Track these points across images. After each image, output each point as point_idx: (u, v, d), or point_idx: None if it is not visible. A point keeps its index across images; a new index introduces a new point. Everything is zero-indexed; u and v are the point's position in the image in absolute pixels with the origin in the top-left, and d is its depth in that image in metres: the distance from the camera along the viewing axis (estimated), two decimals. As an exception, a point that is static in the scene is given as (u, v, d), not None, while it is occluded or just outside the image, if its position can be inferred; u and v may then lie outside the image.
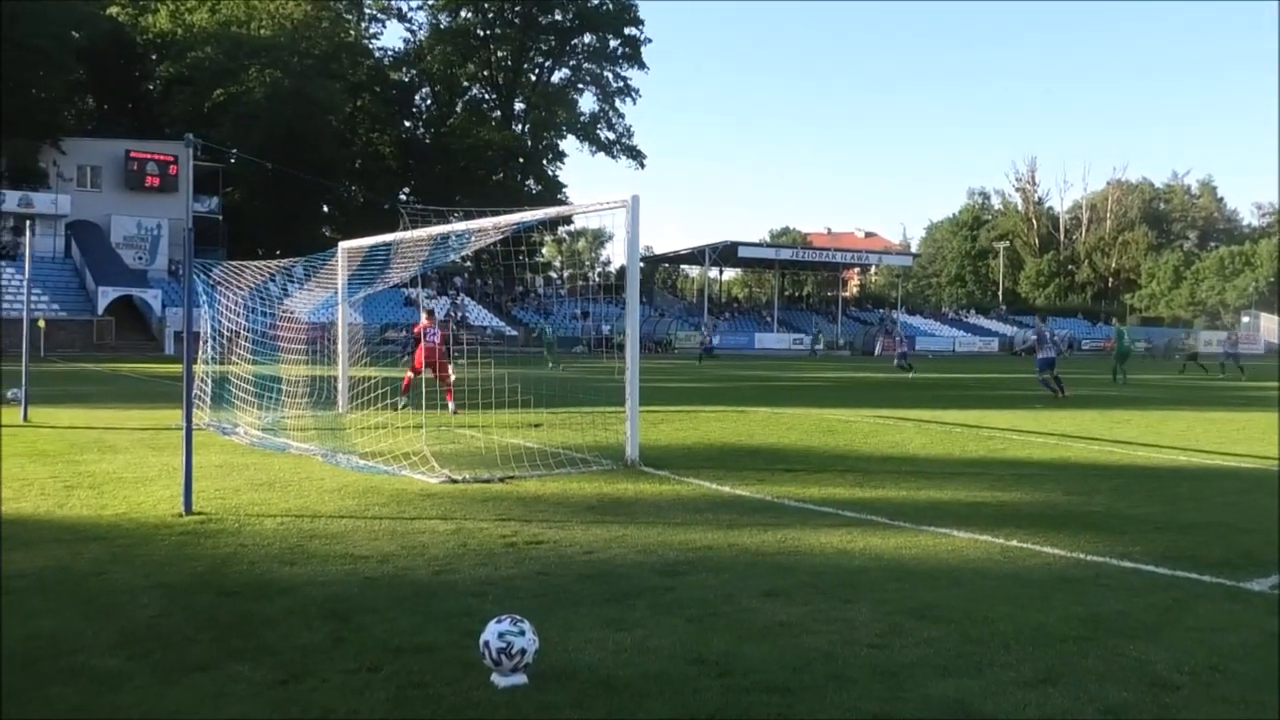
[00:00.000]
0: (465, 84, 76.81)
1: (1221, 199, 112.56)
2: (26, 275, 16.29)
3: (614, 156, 77.34)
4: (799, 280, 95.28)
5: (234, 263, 16.30)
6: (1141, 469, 11.65)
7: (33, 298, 18.67)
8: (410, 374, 17.30)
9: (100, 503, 8.52)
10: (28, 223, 21.24)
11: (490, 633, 4.40)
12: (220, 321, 15.14)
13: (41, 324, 29.30)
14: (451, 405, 16.39)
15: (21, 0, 51.26)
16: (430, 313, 18.34)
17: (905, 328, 76.79)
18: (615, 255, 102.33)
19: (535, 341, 55.41)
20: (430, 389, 16.50)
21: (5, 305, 46.16)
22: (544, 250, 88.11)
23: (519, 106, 76.64)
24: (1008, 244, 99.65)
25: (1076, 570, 6.65)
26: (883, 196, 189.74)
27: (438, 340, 17.34)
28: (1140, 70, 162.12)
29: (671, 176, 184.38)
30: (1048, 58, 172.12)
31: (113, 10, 64.50)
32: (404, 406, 15.81)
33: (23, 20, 51.09)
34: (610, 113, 76.81)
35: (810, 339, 65.80)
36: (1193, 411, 20.16)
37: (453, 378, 16.95)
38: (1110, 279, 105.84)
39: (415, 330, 18.00)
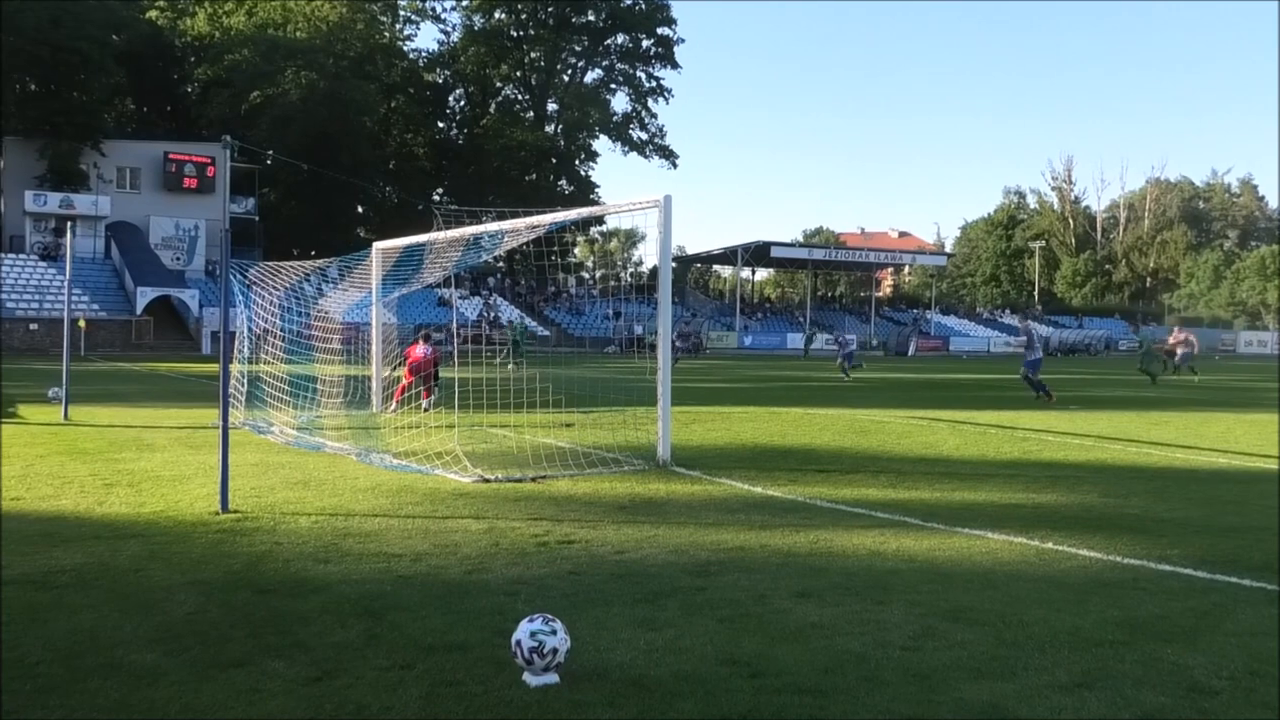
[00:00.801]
0: (498, 85, 77.14)
1: (1263, 198, 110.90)
2: (68, 276, 16.54)
3: (646, 156, 77.43)
4: (832, 280, 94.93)
5: (270, 263, 16.45)
6: (1180, 471, 11.49)
7: (73, 298, 18.92)
8: (405, 382, 17.38)
9: (139, 500, 8.63)
10: (69, 224, 21.55)
11: (522, 632, 4.41)
12: (256, 321, 15.29)
13: (82, 324, 29.77)
14: (424, 403, 16.64)
15: (64, 2, 52.12)
16: (426, 336, 18.49)
17: (939, 328, 76.26)
18: (647, 255, 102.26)
19: (567, 340, 55.61)
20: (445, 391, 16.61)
21: (47, 305, 46.92)
22: (576, 250, 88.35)
23: (552, 107, 76.88)
24: (1043, 243, 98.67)
25: (1113, 573, 6.57)
26: (917, 196, 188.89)
27: (429, 354, 17.45)
28: (1180, 66, 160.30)
29: (704, 176, 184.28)
30: (1085, 55, 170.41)
31: (152, 14, 65.44)
32: (431, 407, 15.91)
33: (64, 24, 51.93)
34: (643, 113, 76.93)
35: (804, 338, 58.11)
36: (1233, 413, 19.86)
37: (434, 394, 17.14)
38: (1148, 279, 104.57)
39: (406, 352, 18.10)
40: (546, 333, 57.97)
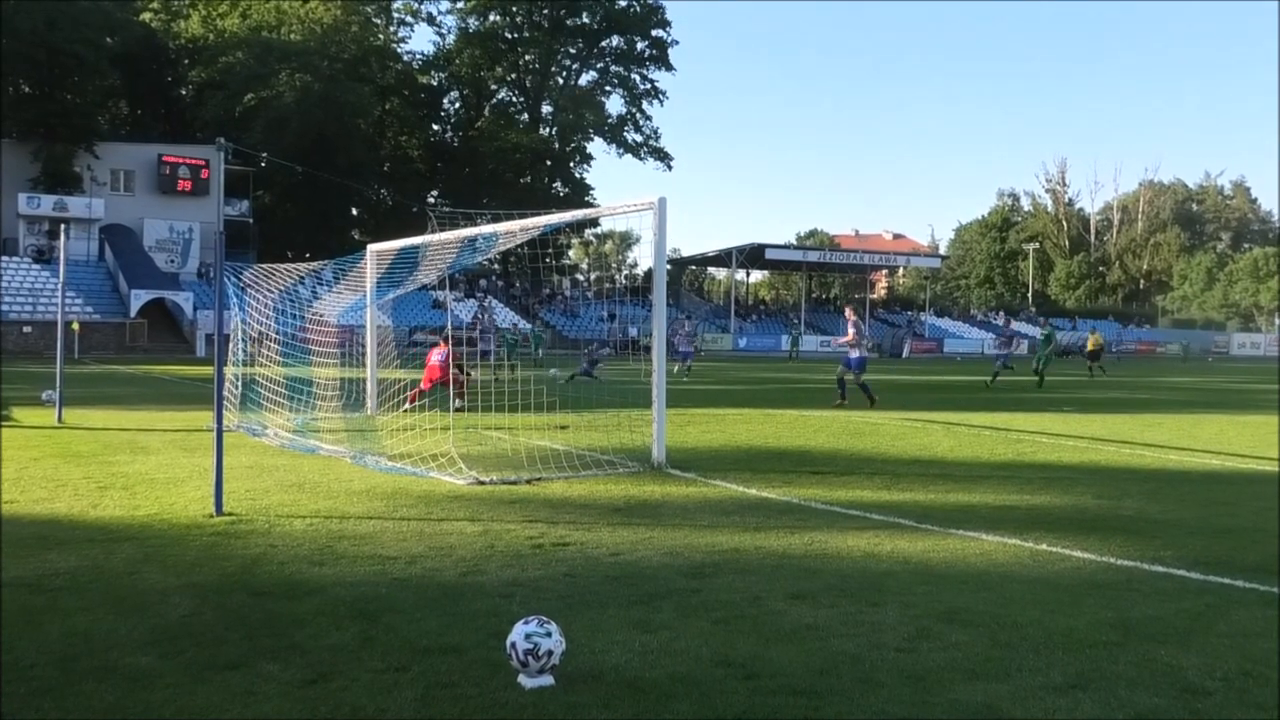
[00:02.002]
0: (493, 87, 77.18)
1: (1255, 200, 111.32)
2: (61, 279, 16.50)
3: (641, 158, 77.49)
4: (826, 282, 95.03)
5: (264, 265, 16.44)
6: (1174, 473, 11.51)
7: (67, 300, 18.88)
8: (421, 388, 17.53)
9: (133, 503, 8.62)
10: (62, 226, 21.52)
11: (517, 634, 4.41)
12: (250, 324, 15.27)
13: (76, 326, 29.68)
14: (458, 402, 16.76)
15: (59, 1, 52.09)
16: (446, 339, 18.66)
17: (933, 330, 76.30)
18: (642, 257, 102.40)
19: (564, 343, 55.62)
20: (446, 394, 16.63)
21: (40, 308, 46.82)
22: (571, 253, 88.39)
23: (546, 109, 76.95)
24: (1037, 245, 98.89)
25: (1107, 575, 6.58)
26: (911, 198, 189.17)
27: (443, 360, 17.60)
28: (1175, 68, 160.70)
29: (699, 178, 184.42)
30: (1080, 57, 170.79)
31: (146, 16, 65.37)
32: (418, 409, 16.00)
33: (60, 26, 51.86)
34: (637, 115, 76.99)
35: (790, 340, 56.32)
36: (1226, 415, 19.92)
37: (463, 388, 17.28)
38: (1142, 281, 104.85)
39: (429, 358, 18.24)
40: (543, 335, 57.95)
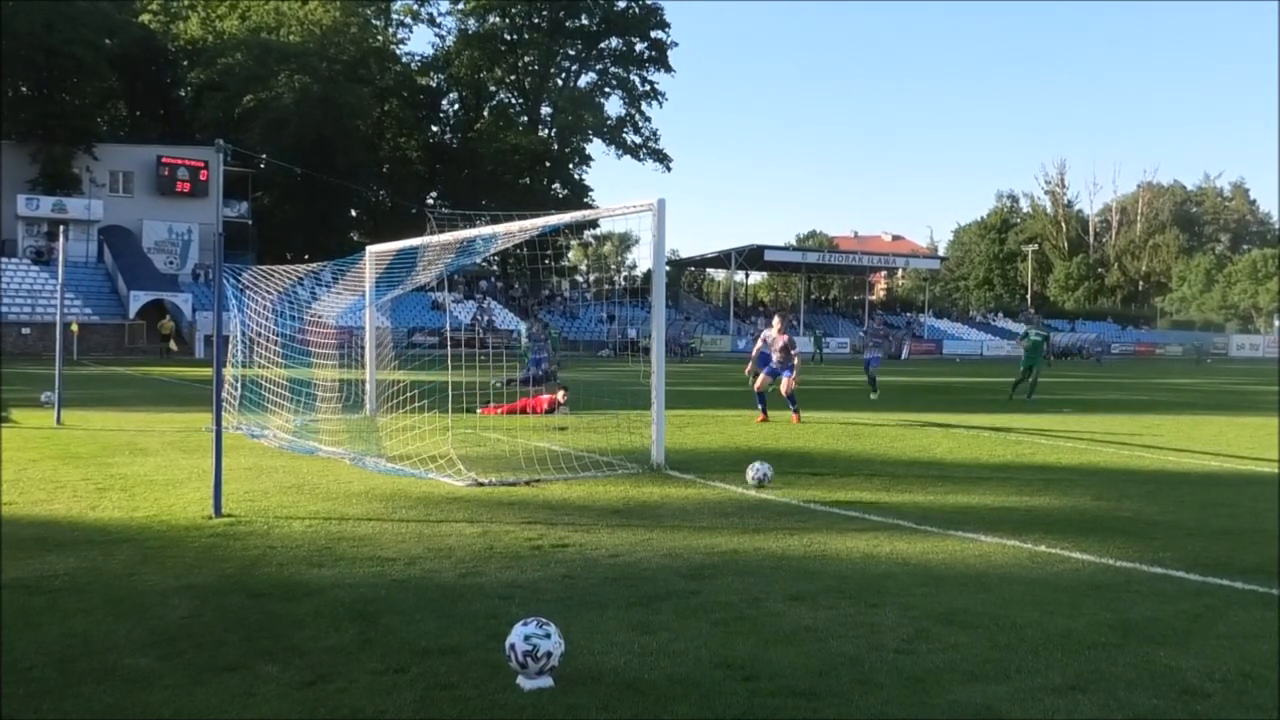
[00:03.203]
0: (492, 88, 77.19)
1: (1254, 201, 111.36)
2: (60, 280, 16.49)
3: (640, 160, 77.44)
4: (825, 284, 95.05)
5: (263, 267, 16.42)
6: (1172, 474, 11.52)
7: (66, 302, 18.85)
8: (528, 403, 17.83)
9: (131, 505, 8.61)
10: (61, 228, 21.48)
11: (516, 635, 4.41)
12: (249, 325, 15.26)
13: (75, 328, 29.68)
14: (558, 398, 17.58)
15: (58, 1, 52.08)
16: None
17: (932, 331, 76.23)
18: (641, 259, 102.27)
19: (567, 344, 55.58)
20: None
21: (39, 309, 46.80)
22: (570, 254, 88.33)
23: (545, 111, 76.95)
24: (1036, 247, 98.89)
25: (1106, 576, 6.59)
26: (910, 200, 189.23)
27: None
28: (1174, 69, 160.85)
29: (698, 180, 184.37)
30: (1079, 58, 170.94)
31: (145, 18, 65.34)
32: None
33: (59, 27, 51.86)
34: (636, 116, 76.94)
35: (813, 340, 52.55)
36: (1225, 416, 19.93)
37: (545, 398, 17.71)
38: (1140, 282, 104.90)
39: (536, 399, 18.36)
40: (557, 338, 57.78)
